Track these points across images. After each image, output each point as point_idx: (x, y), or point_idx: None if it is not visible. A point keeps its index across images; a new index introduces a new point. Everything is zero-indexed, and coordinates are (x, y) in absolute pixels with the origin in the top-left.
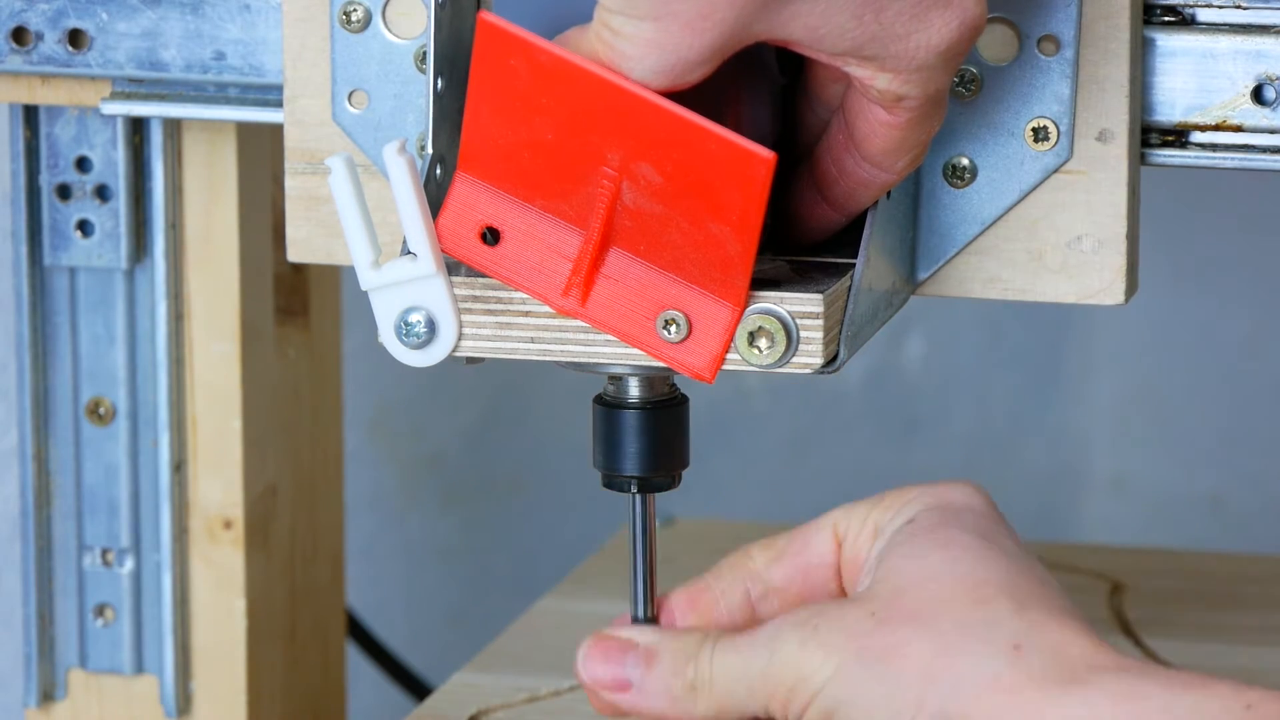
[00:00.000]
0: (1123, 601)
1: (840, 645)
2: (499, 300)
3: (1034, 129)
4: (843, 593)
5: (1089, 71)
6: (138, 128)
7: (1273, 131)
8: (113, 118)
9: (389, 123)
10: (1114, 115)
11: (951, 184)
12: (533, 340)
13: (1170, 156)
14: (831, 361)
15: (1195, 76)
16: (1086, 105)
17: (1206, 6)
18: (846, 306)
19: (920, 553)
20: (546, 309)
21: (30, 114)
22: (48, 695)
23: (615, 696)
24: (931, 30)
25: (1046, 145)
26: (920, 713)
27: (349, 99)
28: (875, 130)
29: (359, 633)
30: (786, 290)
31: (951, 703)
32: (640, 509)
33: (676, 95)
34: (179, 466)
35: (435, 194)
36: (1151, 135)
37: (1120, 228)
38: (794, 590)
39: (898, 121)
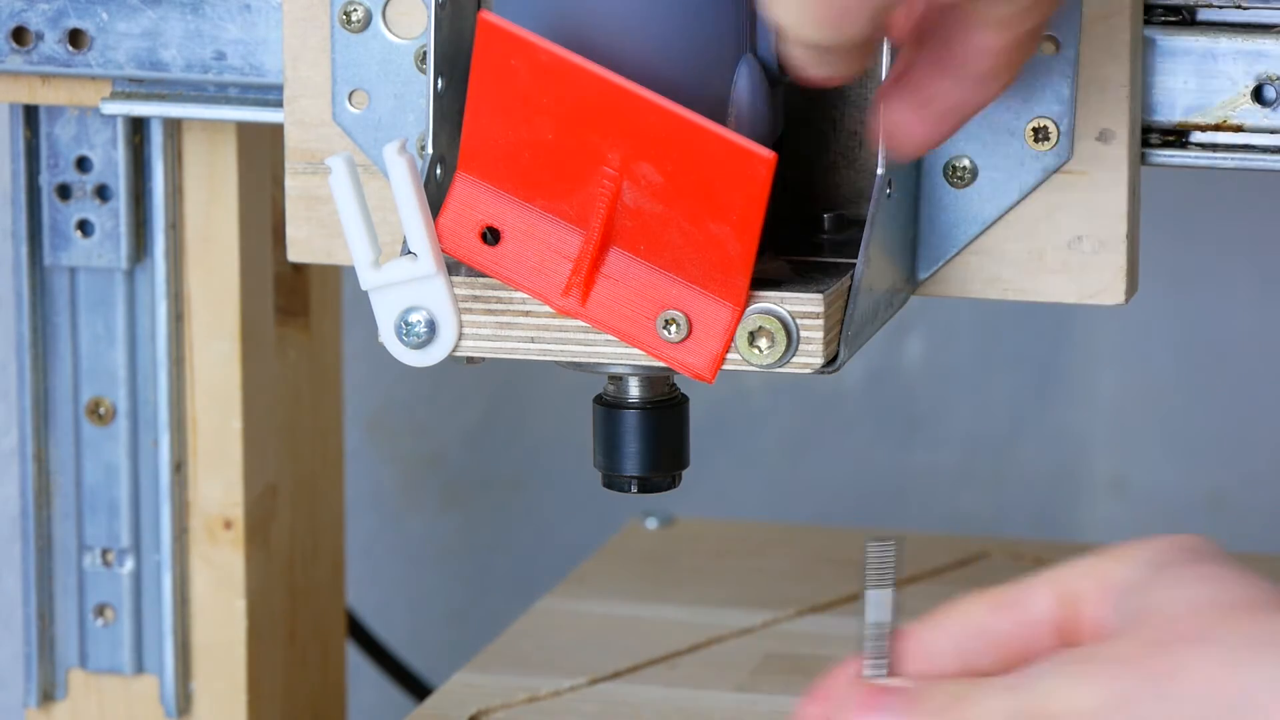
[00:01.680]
0: None
1: (1118, 673)
2: (499, 300)
3: (1034, 129)
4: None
5: (1089, 71)
6: (138, 128)
7: (1273, 131)
8: (113, 118)
9: (389, 123)
10: (1114, 115)
11: (951, 184)
12: (533, 340)
13: (1170, 156)
14: (832, 361)
15: (1195, 76)
16: (1086, 105)
17: (1207, 6)
18: (847, 306)
19: (1183, 583)
20: (546, 309)
21: (30, 114)
22: (48, 695)
23: None
24: None
25: (1047, 145)
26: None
27: (349, 99)
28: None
29: (359, 633)
30: (787, 290)
31: (1241, 712)
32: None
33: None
34: (179, 466)
35: (435, 194)
36: (1152, 135)
37: (1120, 228)
38: (1013, 646)
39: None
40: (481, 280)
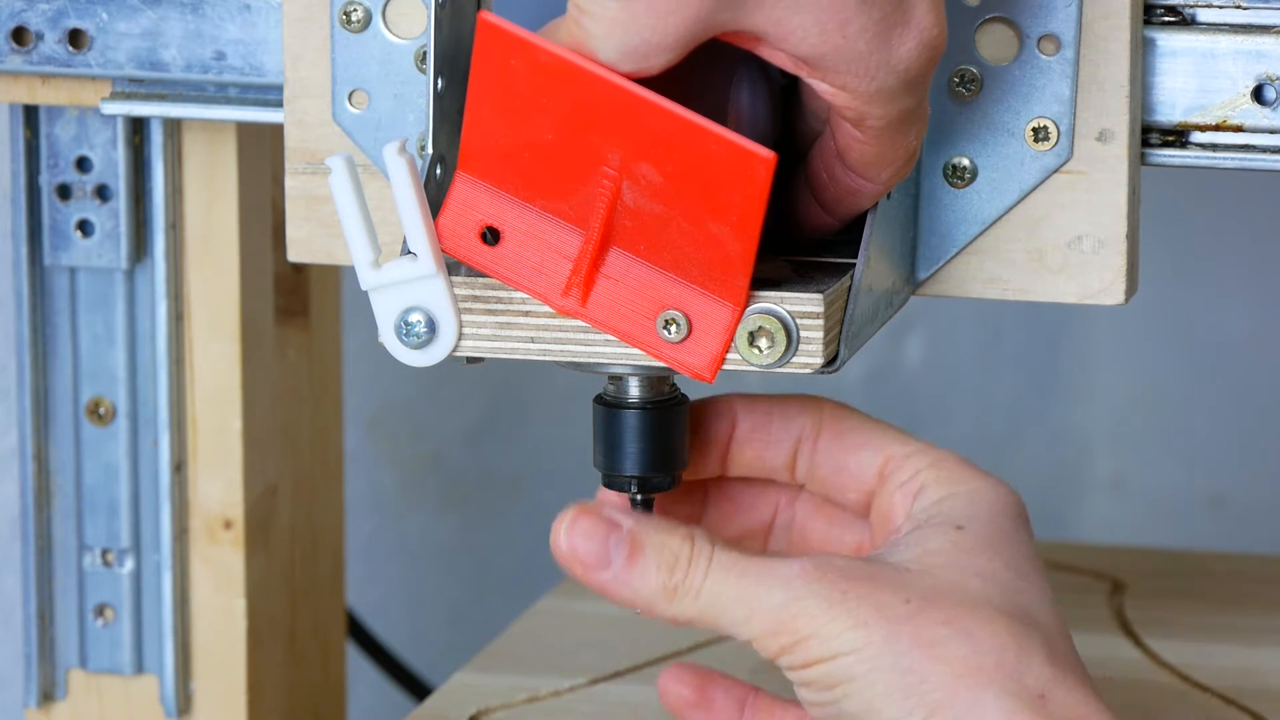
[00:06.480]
0: (1123, 601)
1: (870, 621)
2: (499, 300)
3: (1034, 129)
4: (866, 512)
5: (1089, 71)
6: (138, 128)
7: (1273, 131)
8: (113, 118)
9: (389, 123)
10: (1114, 115)
11: (951, 184)
12: (533, 340)
13: (1170, 156)
14: (831, 361)
15: (1195, 76)
16: (1086, 105)
17: (1206, 6)
18: (847, 306)
19: (963, 566)
20: (546, 309)
21: (30, 114)
22: (48, 695)
23: (592, 575)
24: (890, 51)
25: (1046, 145)
26: (931, 718)
27: (349, 99)
28: (850, 144)
29: (359, 633)
30: (787, 290)
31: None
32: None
33: (679, 95)
34: (179, 466)
35: (435, 194)
36: (1152, 135)
37: (1120, 228)
38: (821, 473)
39: (867, 137)
40: (481, 280)
